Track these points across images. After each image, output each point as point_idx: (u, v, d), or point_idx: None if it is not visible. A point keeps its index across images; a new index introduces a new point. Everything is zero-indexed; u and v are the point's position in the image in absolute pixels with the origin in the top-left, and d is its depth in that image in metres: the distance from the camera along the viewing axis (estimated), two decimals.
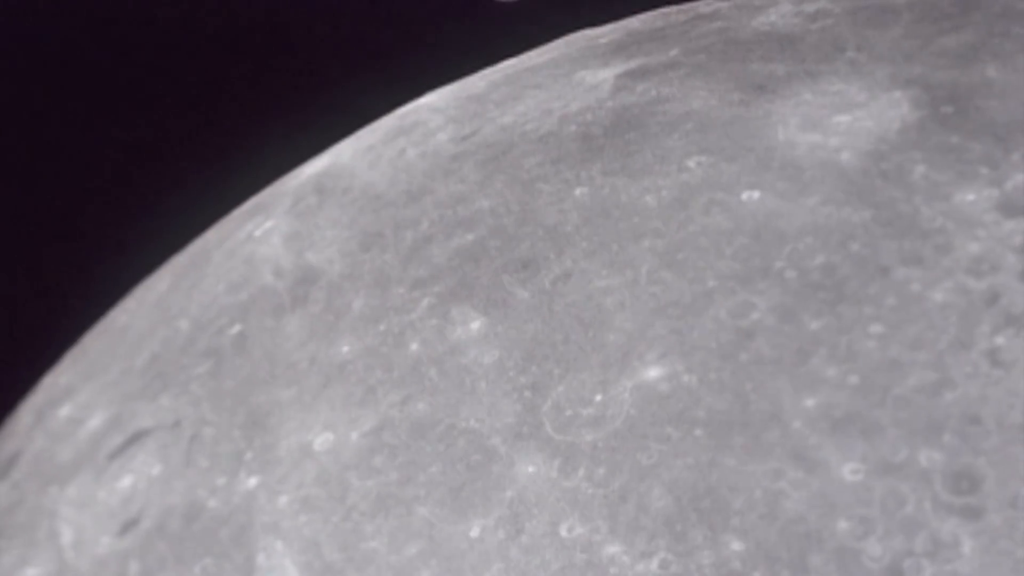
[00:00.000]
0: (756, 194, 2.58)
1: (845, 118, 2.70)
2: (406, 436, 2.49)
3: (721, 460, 2.18)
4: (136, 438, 2.96)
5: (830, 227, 2.44)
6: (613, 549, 2.16)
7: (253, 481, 2.62)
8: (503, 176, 2.96)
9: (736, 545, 2.08)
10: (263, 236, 3.41)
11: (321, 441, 2.59)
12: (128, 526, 2.76)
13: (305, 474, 2.55)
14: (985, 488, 2.01)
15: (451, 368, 2.56)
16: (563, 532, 2.21)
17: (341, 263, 3.01)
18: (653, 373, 2.35)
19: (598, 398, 2.35)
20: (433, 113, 3.59)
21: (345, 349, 2.75)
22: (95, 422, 3.16)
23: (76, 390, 3.45)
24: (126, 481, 2.87)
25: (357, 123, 4.02)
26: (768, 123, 2.77)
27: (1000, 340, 2.17)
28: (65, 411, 3.37)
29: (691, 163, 2.73)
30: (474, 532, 2.29)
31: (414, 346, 2.65)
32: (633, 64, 3.26)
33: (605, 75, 3.26)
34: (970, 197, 2.41)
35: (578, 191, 2.79)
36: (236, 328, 3.06)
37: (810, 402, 2.19)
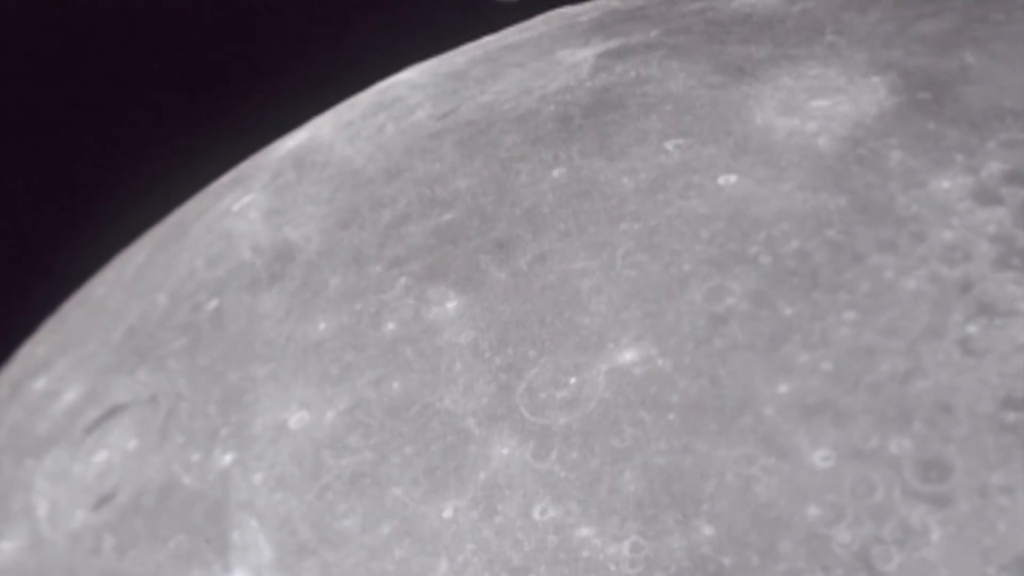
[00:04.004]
0: (733, 178, 2.58)
1: (823, 103, 2.70)
2: (381, 416, 2.49)
3: (694, 445, 2.19)
4: (112, 412, 2.96)
5: (806, 213, 2.45)
6: (585, 532, 2.17)
7: (228, 458, 2.62)
8: (481, 155, 2.96)
9: (707, 530, 2.09)
10: (241, 211, 3.41)
11: (296, 419, 2.59)
12: (103, 500, 2.76)
13: (280, 452, 2.55)
14: (954, 476, 2.03)
15: (427, 348, 2.56)
16: (536, 514, 2.22)
17: (319, 240, 3.01)
18: (627, 357, 2.35)
19: (572, 381, 2.36)
20: (412, 89, 3.58)
21: (322, 327, 2.75)
22: (71, 395, 3.16)
23: (53, 362, 3.44)
24: (102, 455, 2.87)
25: (337, 97, 4.01)
26: (746, 106, 2.77)
27: (972, 329, 2.18)
28: (41, 383, 3.36)
29: (669, 146, 2.73)
30: (447, 513, 2.29)
31: (390, 325, 2.65)
32: (613, 44, 3.25)
33: (585, 54, 3.25)
34: (945, 184, 2.41)
35: (556, 172, 2.79)
36: (213, 303, 3.05)
37: (783, 388, 2.20)
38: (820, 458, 2.11)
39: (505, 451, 2.32)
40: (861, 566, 1.98)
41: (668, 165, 2.67)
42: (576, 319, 2.45)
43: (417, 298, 2.67)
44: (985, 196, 2.37)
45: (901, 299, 2.25)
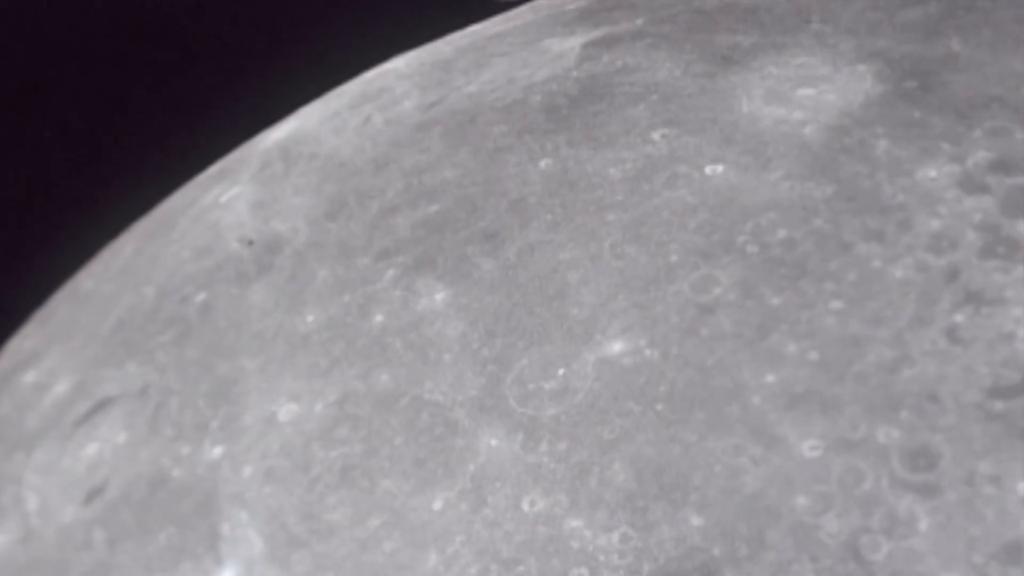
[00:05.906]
0: (720, 168, 2.58)
1: (809, 91, 2.70)
2: (370, 408, 2.49)
3: (682, 435, 2.19)
4: (102, 405, 2.95)
5: (793, 202, 2.45)
6: (575, 523, 2.17)
7: (218, 451, 2.62)
8: (468, 146, 2.96)
9: (696, 520, 2.10)
10: (228, 202, 3.40)
11: (285, 412, 2.59)
12: (93, 494, 2.76)
13: (270, 445, 2.55)
14: (942, 465, 2.03)
15: (415, 340, 2.56)
16: (525, 506, 2.22)
17: (306, 232, 3.00)
18: (616, 347, 2.36)
19: (561, 372, 2.36)
20: (399, 79, 3.57)
21: (310, 319, 2.75)
22: (61, 389, 3.16)
23: (41, 355, 3.44)
24: (91, 449, 2.87)
25: (323, 87, 4.00)
26: (733, 95, 2.77)
27: (959, 317, 2.19)
28: (30, 377, 3.36)
29: (656, 135, 2.73)
30: (437, 505, 2.30)
31: (378, 317, 2.65)
32: (599, 33, 3.25)
33: (571, 44, 3.25)
34: (932, 173, 2.42)
35: (543, 162, 2.79)
36: (201, 296, 3.05)
37: (770, 378, 2.21)
38: (808, 448, 2.11)
39: (494, 442, 2.33)
40: (849, 555, 1.99)
41: (655, 155, 2.67)
42: (564, 310, 2.45)
43: (405, 290, 2.67)
44: (971, 185, 2.37)
45: (888, 288, 2.26)
